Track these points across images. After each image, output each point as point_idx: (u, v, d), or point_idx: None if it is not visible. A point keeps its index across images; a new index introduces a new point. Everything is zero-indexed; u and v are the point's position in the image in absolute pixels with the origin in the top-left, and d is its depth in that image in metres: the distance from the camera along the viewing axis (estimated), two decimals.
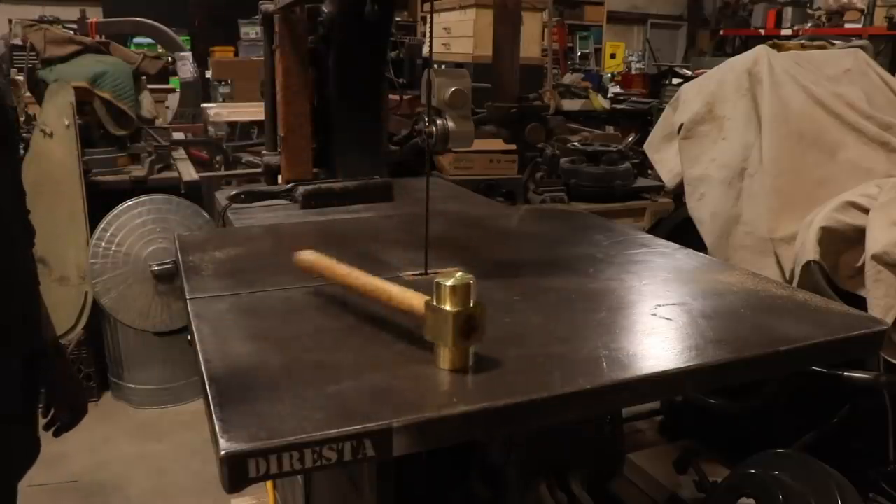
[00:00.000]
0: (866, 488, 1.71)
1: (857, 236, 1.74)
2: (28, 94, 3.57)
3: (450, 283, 0.86)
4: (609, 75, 7.01)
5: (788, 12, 9.28)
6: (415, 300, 0.92)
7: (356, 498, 1.22)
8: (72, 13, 5.52)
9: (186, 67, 4.98)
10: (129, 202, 3.13)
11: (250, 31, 6.19)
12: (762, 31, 9.36)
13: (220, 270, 1.32)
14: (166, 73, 4.69)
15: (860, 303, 1.64)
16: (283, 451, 0.73)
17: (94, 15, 5.69)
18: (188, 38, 6.45)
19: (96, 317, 3.17)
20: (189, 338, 1.04)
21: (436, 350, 0.90)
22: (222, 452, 0.71)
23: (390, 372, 0.91)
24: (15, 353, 1.14)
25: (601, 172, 3.30)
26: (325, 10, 1.83)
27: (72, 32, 3.82)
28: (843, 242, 1.77)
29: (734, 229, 2.04)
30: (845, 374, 1.66)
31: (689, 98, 2.28)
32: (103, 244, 3.05)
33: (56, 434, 1.43)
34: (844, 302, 1.35)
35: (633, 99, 5.73)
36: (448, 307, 0.86)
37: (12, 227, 1.07)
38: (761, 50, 2.18)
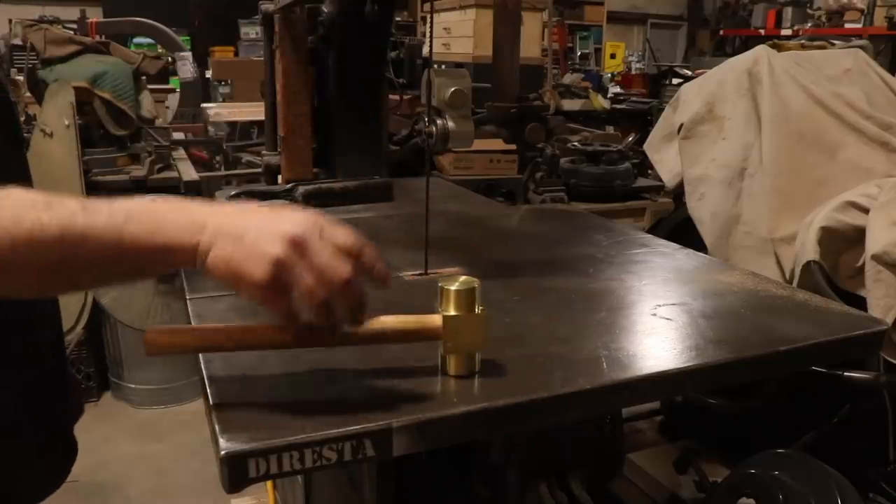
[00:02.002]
0: (866, 488, 1.71)
1: (857, 236, 1.74)
2: (28, 94, 3.57)
3: (460, 287, 0.85)
4: (609, 75, 7.00)
5: (788, 12, 9.29)
6: (429, 321, 0.87)
7: (356, 498, 1.22)
8: (72, 13, 5.53)
9: (186, 67, 4.98)
10: None
11: (250, 31, 6.19)
12: (762, 31, 9.36)
13: None
14: (166, 73, 4.69)
15: (860, 303, 1.64)
16: (283, 451, 0.73)
17: (94, 15, 5.69)
18: (188, 38, 6.45)
19: (96, 317, 3.17)
20: None
21: (445, 359, 0.89)
22: (222, 452, 0.71)
23: (390, 372, 0.91)
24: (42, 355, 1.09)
25: (601, 172, 3.30)
26: (325, 10, 1.83)
27: (72, 32, 3.82)
28: (843, 242, 1.77)
29: (734, 229, 2.04)
30: (845, 374, 1.66)
31: (689, 98, 2.28)
32: None
33: (65, 430, 1.42)
34: (844, 302, 1.35)
35: (633, 99, 5.73)
36: (466, 311, 0.85)
37: None
38: (761, 50, 2.18)
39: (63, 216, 0.71)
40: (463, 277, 0.87)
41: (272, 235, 0.73)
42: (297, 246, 0.74)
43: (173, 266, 0.76)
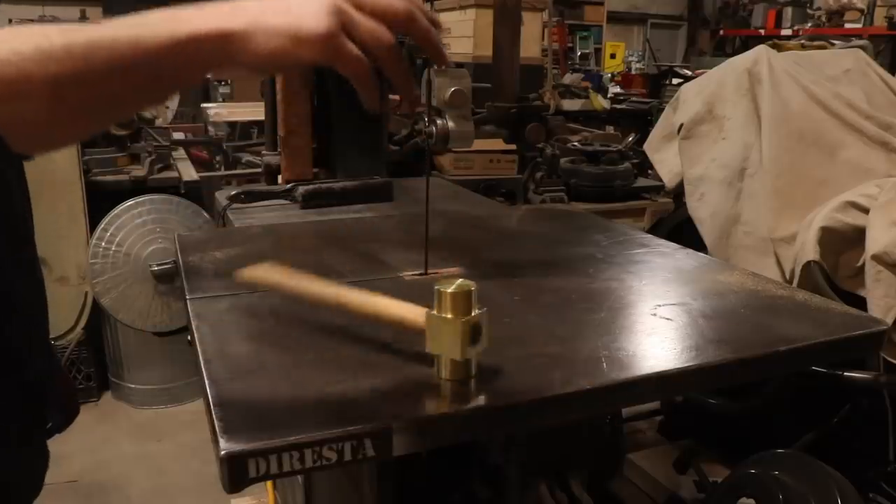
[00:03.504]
0: (866, 488, 1.71)
1: (857, 236, 1.74)
2: None
3: (451, 289, 0.82)
4: (609, 75, 7.01)
5: (788, 12, 9.30)
6: (409, 312, 0.87)
7: (356, 498, 1.22)
8: (72, 13, 5.53)
9: None
10: (129, 202, 3.13)
11: None
12: (762, 31, 9.37)
13: (220, 270, 1.32)
14: None
15: (860, 303, 1.64)
16: (283, 451, 0.73)
17: (94, 15, 5.69)
18: None
19: (96, 317, 3.18)
20: (189, 338, 1.04)
21: (437, 360, 0.88)
22: (222, 452, 0.71)
23: (390, 371, 0.90)
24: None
25: (601, 172, 3.30)
26: None
27: None
28: (843, 242, 1.77)
29: (734, 229, 2.04)
30: (845, 374, 1.66)
31: (689, 98, 2.28)
32: (103, 244, 3.05)
33: (47, 436, 1.42)
34: (844, 302, 1.36)
35: (633, 99, 5.74)
36: (451, 315, 0.82)
37: (29, 230, 1.05)
38: (761, 50, 2.18)
39: (69, 30, 0.69)
40: (459, 281, 0.83)
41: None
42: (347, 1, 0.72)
43: (202, 63, 0.71)
